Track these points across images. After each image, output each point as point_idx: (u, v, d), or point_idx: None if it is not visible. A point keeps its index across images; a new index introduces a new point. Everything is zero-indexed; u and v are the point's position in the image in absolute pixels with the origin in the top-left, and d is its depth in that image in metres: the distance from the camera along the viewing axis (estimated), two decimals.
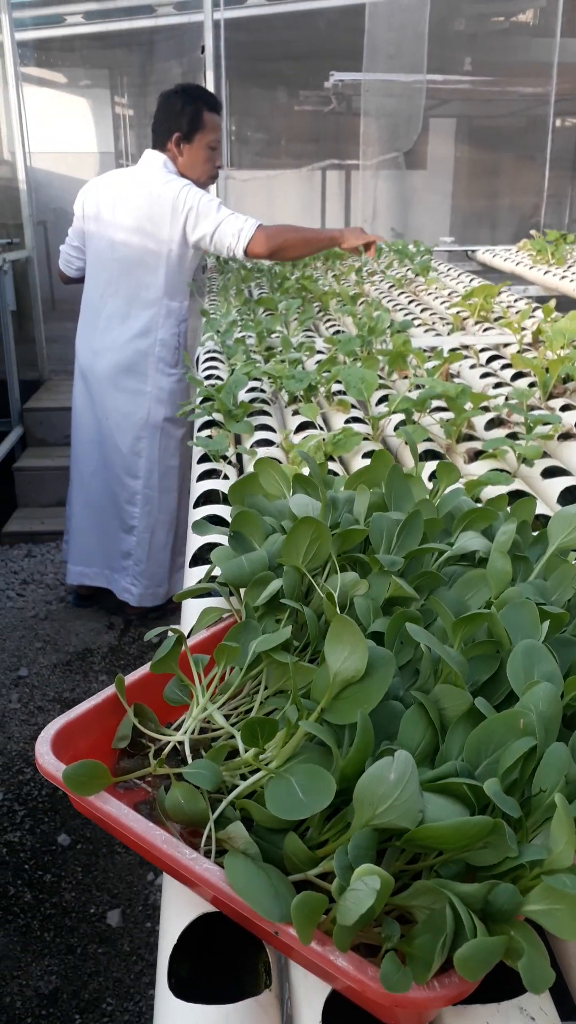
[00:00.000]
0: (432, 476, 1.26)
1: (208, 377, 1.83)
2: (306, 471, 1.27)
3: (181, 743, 0.60)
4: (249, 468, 1.35)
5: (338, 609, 0.68)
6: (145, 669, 0.67)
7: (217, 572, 0.84)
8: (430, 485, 1.17)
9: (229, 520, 1.20)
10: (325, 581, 0.72)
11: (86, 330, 2.84)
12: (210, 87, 4.49)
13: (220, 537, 0.95)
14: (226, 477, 1.32)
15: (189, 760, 0.58)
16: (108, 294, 2.75)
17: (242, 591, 0.76)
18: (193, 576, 1.00)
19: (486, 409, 1.47)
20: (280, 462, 1.35)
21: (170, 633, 0.69)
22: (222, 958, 0.54)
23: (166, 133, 2.66)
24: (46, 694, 2.78)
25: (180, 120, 2.63)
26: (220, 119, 2.72)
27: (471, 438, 1.43)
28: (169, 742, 0.61)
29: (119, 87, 5.93)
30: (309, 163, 5.42)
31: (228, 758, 0.60)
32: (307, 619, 0.65)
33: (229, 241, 2.50)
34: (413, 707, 0.54)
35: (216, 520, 1.20)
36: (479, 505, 0.83)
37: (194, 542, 1.08)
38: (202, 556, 1.11)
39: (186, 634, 0.85)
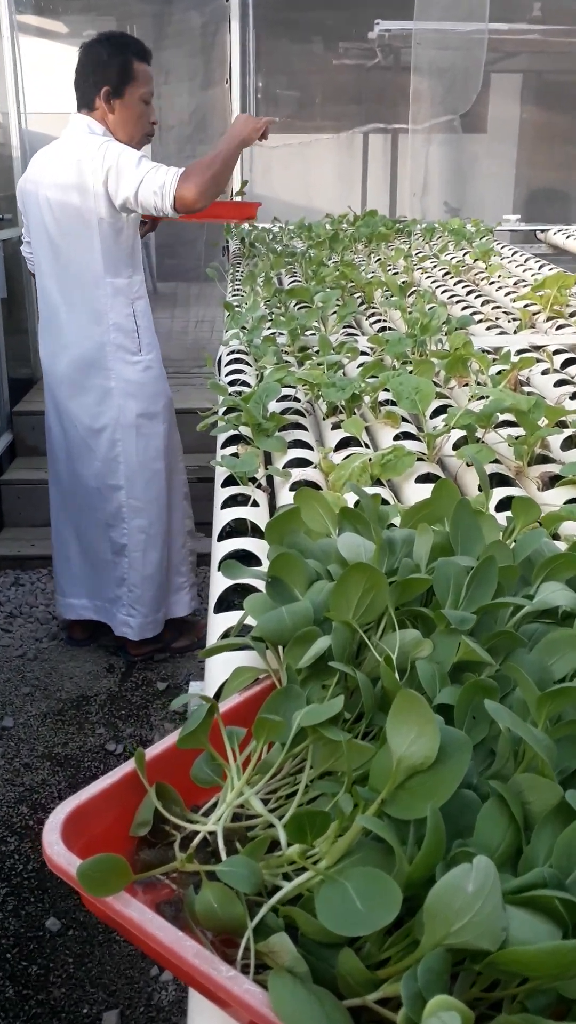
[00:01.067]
0: (499, 506, 1.26)
1: (232, 383, 1.84)
2: (351, 498, 1.28)
3: (212, 833, 0.60)
4: (282, 492, 1.36)
5: (396, 674, 0.68)
6: (168, 742, 0.68)
7: (249, 620, 0.84)
8: (500, 519, 1.16)
9: (258, 556, 1.21)
10: (380, 639, 0.72)
11: (43, 330, 2.93)
12: (235, 39, 4.56)
13: (251, 579, 0.96)
14: (255, 504, 1.32)
15: (222, 854, 0.58)
16: (51, 285, 2.82)
17: (280, 647, 0.77)
18: (218, 625, 1.00)
19: (563, 425, 1.47)
20: (318, 487, 1.35)
21: (199, 700, 0.69)
22: None
23: (92, 88, 2.71)
24: (34, 749, 2.79)
25: (107, 72, 2.68)
26: (150, 69, 2.77)
27: (546, 459, 1.42)
28: (198, 832, 0.61)
29: None
30: (349, 127, 5.46)
31: (267, 852, 0.60)
32: (361, 686, 0.65)
33: (154, 201, 2.53)
34: (491, 800, 0.54)
35: (242, 556, 1.20)
36: (563, 549, 0.82)
37: (218, 583, 1.09)
38: (227, 598, 1.11)
39: (213, 695, 0.85)
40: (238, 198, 3.92)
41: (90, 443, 2.89)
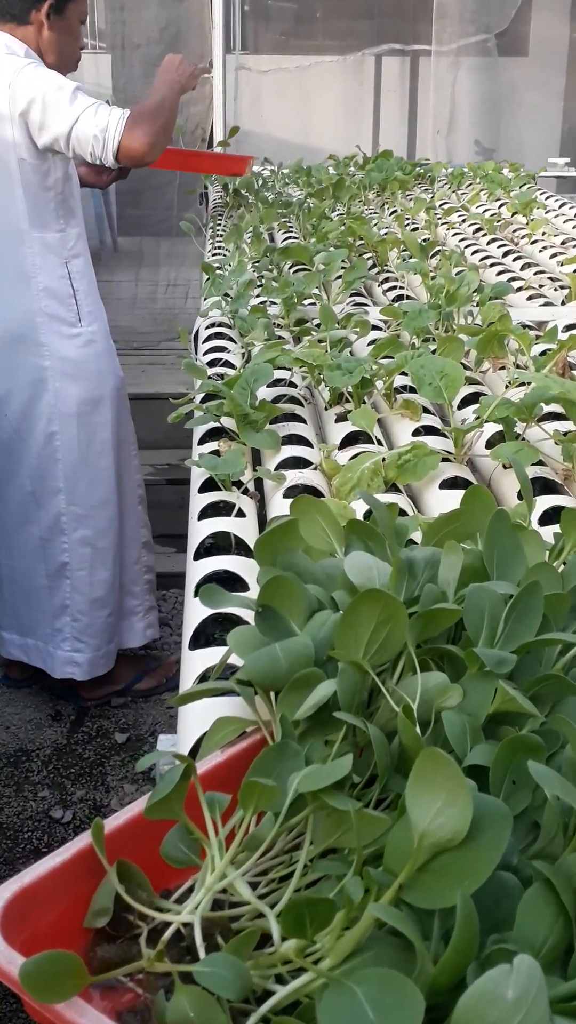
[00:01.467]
0: (543, 518, 1.26)
1: (212, 363, 1.85)
2: (360, 507, 1.29)
3: (188, 925, 0.60)
4: (274, 500, 1.37)
5: (418, 727, 0.68)
6: (133, 811, 0.68)
7: (234, 659, 0.84)
8: (545, 533, 1.17)
9: (244, 578, 1.21)
10: (397, 684, 0.72)
11: None
12: None
13: (236, 608, 0.96)
14: (241, 514, 1.33)
15: (200, 951, 0.59)
16: None
17: (272, 693, 0.77)
18: (194, 663, 1.00)
19: None
20: (320, 493, 1.36)
21: (171, 759, 0.69)
22: None
23: (30, 1, 2.70)
24: None
25: None
26: None
27: None
28: (170, 923, 0.61)
29: None
30: (358, 48, 5.49)
31: (256, 948, 0.60)
32: (374, 742, 0.65)
33: (91, 146, 2.53)
34: (535, 885, 0.54)
35: (224, 578, 1.21)
36: None
37: (195, 612, 1.09)
38: (205, 630, 1.12)
39: (188, 752, 0.85)
40: (220, 149, 3.93)
41: (23, 435, 2.88)
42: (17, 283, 2.76)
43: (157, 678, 3.27)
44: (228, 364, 1.86)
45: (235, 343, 1.98)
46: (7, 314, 2.79)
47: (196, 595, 1.17)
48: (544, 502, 1.28)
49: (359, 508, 1.29)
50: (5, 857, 2.65)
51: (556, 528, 1.24)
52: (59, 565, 2.95)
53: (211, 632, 1.10)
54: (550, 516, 1.27)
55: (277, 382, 1.73)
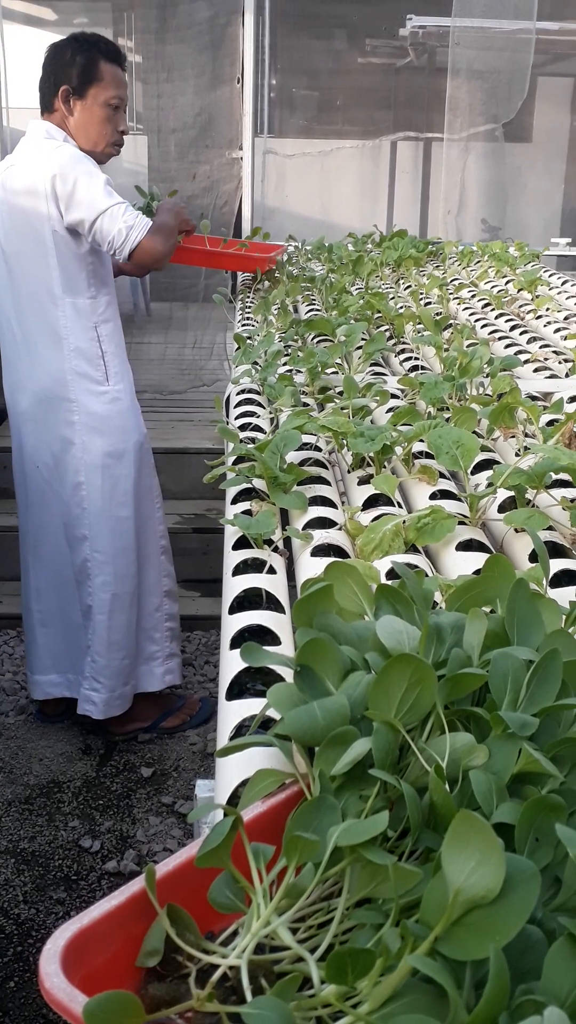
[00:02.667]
0: (553, 580, 1.27)
1: (243, 427, 1.87)
2: (383, 564, 1.29)
3: (234, 968, 0.61)
4: (302, 557, 1.38)
5: (447, 784, 0.69)
6: (182, 857, 0.68)
7: (271, 712, 0.85)
8: (556, 594, 1.18)
9: (273, 631, 1.22)
10: (427, 742, 0.73)
11: (5, 360, 2.98)
12: (249, 33, 4.68)
13: (274, 664, 0.96)
14: (272, 570, 1.34)
15: (247, 992, 0.59)
16: (8, 306, 2.88)
17: (309, 747, 0.77)
18: (231, 713, 1.01)
19: None
20: (344, 552, 1.37)
21: (208, 804, 0.70)
22: None
23: (52, 88, 2.82)
24: None
25: (69, 70, 2.80)
26: (123, 74, 2.88)
27: None
28: (216, 964, 0.62)
29: (125, 29, 6.20)
30: (376, 135, 5.58)
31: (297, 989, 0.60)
32: (407, 799, 0.66)
33: (112, 236, 2.65)
34: (562, 939, 0.54)
35: (256, 632, 1.21)
36: None
37: (231, 664, 1.10)
38: (238, 680, 1.12)
39: (227, 799, 0.86)
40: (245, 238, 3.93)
41: (54, 487, 2.93)
42: (50, 344, 2.83)
43: (182, 716, 3.27)
44: (257, 428, 1.87)
45: (264, 408, 2.00)
46: (42, 373, 2.85)
47: (231, 647, 1.19)
48: (555, 565, 1.28)
49: (382, 567, 1.30)
50: (37, 884, 2.64)
51: (567, 590, 1.25)
52: (86, 608, 2.98)
53: (244, 682, 1.11)
54: (559, 579, 1.27)
55: (304, 446, 1.74)
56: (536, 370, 2.27)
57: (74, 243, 2.77)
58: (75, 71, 2.78)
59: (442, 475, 1.60)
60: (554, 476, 1.51)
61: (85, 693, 3.03)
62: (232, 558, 1.38)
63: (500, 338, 2.54)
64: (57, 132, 2.81)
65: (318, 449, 1.75)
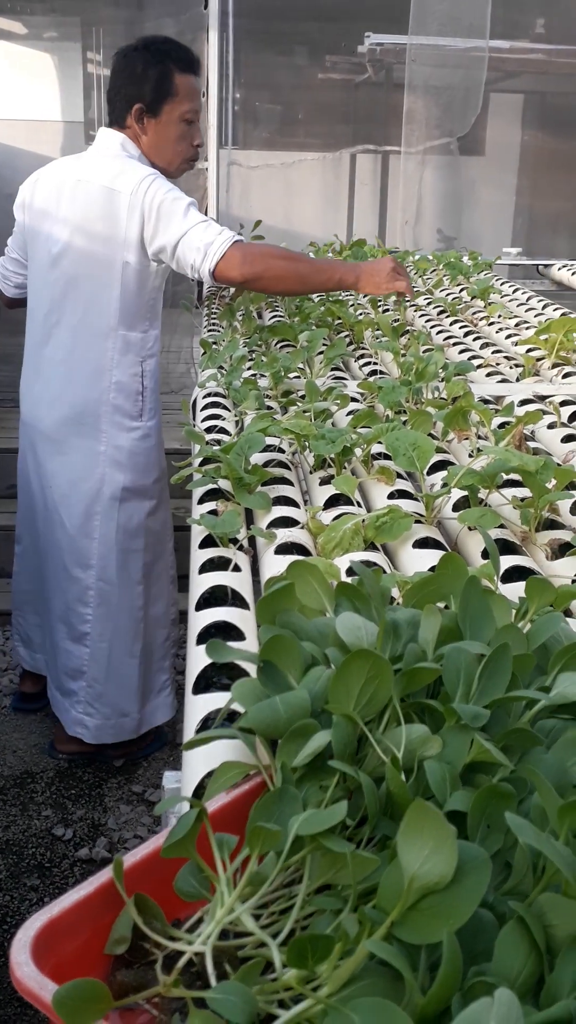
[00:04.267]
0: (504, 576, 1.28)
1: (209, 430, 1.87)
2: (343, 562, 1.30)
3: (199, 953, 0.61)
4: (266, 555, 1.38)
5: (403, 774, 0.69)
6: (148, 848, 0.68)
7: (236, 706, 0.85)
8: (506, 590, 1.19)
9: (239, 627, 1.22)
10: (383, 734, 0.73)
11: (29, 371, 2.80)
12: (213, 51, 4.66)
13: (238, 659, 0.96)
14: (237, 568, 1.34)
15: (212, 978, 0.59)
16: (51, 322, 2.68)
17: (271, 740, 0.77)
18: (197, 707, 1.01)
19: (573, 487, 1.50)
20: (306, 550, 1.37)
21: (175, 794, 0.70)
22: None
23: (124, 104, 2.60)
24: None
25: (142, 86, 2.57)
26: (198, 82, 2.67)
27: (554, 524, 1.45)
28: (183, 951, 0.61)
29: (94, 43, 6.15)
30: (336, 147, 5.58)
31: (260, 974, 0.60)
32: (365, 790, 0.66)
33: (193, 257, 2.42)
34: (511, 923, 0.55)
35: (223, 628, 1.21)
36: None
37: (198, 660, 1.10)
38: (204, 674, 1.12)
39: (192, 791, 0.86)
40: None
41: (62, 511, 2.76)
42: (91, 373, 2.66)
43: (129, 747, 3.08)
44: (223, 430, 1.87)
45: (229, 411, 2.00)
46: (75, 399, 2.69)
47: (198, 643, 1.18)
48: (505, 561, 1.29)
49: (342, 564, 1.31)
50: (11, 871, 2.62)
51: (517, 585, 1.26)
52: (80, 633, 2.82)
53: (210, 676, 1.11)
54: (510, 575, 1.28)
55: (267, 448, 1.74)
56: (488, 374, 2.28)
57: (143, 277, 2.59)
58: (148, 86, 2.57)
59: (399, 476, 1.61)
60: (505, 476, 1.52)
61: (78, 716, 2.88)
62: (199, 556, 1.38)
63: (454, 344, 2.56)
64: (133, 148, 2.61)
65: (281, 451, 1.75)
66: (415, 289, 3.18)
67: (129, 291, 2.59)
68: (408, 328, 2.67)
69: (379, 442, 1.61)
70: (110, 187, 2.51)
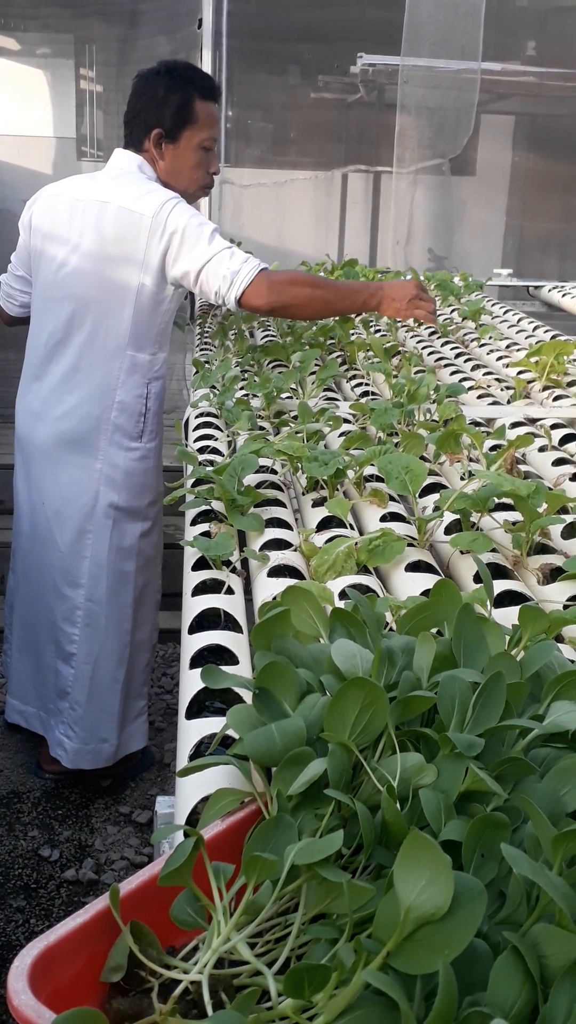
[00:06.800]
0: (496, 600, 1.29)
1: (202, 450, 1.88)
2: (336, 585, 1.31)
3: (195, 982, 0.61)
4: (259, 577, 1.38)
5: (398, 803, 0.70)
6: (145, 876, 0.69)
7: (231, 732, 0.85)
8: (498, 615, 1.19)
9: (231, 650, 1.23)
10: (379, 762, 0.74)
11: (27, 387, 2.79)
12: (206, 68, 4.70)
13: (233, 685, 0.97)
14: (230, 591, 1.34)
15: (208, 1006, 0.59)
16: (56, 341, 2.67)
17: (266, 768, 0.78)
18: (191, 732, 1.01)
19: (564, 511, 1.52)
20: (299, 572, 1.38)
21: (169, 819, 0.70)
22: None
23: (143, 128, 2.60)
24: None
25: (162, 111, 2.57)
26: (217, 110, 2.68)
27: (545, 548, 1.47)
28: (178, 979, 0.62)
29: (87, 60, 6.19)
30: (328, 167, 5.62)
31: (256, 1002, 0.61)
32: (360, 819, 0.67)
33: (218, 285, 2.42)
34: (506, 953, 0.55)
35: (215, 651, 1.22)
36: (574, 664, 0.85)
37: (191, 684, 1.10)
38: (197, 698, 1.13)
39: (186, 817, 0.86)
40: None
41: (54, 528, 2.74)
42: (96, 392, 2.64)
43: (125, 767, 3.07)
44: (215, 451, 1.88)
45: (221, 431, 2.01)
46: (77, 417, 2.67)
47: (191, 667, 1.19)
48: (498, 586, 1.30)
49: (336, 587, 1.32)
50: None
51: (510, 610, 1.27)
52: (67, 653, 2.80)
53: (203, 700, 1.11)
54: (502, 599, 1.29)
55: (260, 469, 1.75)
56: (479, 396, 2.30)
57: (157, 300, 2.57)
58: (168, 112, 2.56)
59: (392, 498, 1.62)
60: (497, 500, 1.53)
61: (58, 737, 2.85)
62: (192, 578, 1.39)
63: (445, 365, 2.58)
64: (150, 171, 2.60)
65: (274, 472, 1.76)
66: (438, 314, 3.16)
67: (142, 313, 2.58)
68: (400, 350, 2.69)
69: (372, 464, 1.62)
70: (130, 208, 2.50)
